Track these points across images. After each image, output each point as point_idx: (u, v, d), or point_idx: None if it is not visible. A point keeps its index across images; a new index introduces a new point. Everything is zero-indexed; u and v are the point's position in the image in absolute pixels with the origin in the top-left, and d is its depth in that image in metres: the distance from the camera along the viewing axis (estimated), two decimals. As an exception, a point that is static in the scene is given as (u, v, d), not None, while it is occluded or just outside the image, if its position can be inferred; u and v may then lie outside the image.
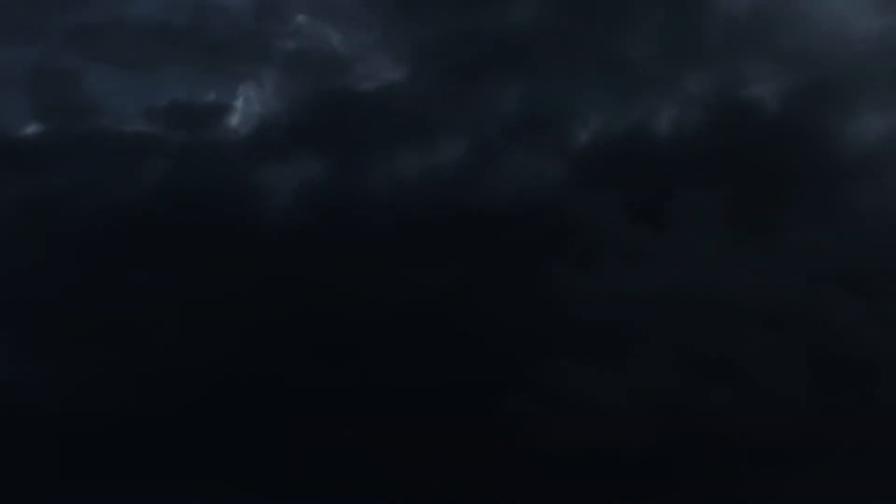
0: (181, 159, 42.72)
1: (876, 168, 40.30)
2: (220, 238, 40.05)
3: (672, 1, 44.39)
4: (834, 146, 40.96)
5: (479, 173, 41.69)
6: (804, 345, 35.61)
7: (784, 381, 34.81)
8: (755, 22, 43.53)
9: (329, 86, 44.35)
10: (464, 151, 42.34)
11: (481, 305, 37.45)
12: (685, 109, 42.75)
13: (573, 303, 37.08)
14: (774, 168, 40.34)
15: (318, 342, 37.26)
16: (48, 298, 38.42)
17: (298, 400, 35.76)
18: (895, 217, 38.83)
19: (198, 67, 44.63)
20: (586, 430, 34.07)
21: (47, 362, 37.16)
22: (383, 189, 41.40)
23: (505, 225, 39.57)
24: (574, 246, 38.73)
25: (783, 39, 43.16)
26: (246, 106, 44.38)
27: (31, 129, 43.47)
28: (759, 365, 35.14)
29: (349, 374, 36.30)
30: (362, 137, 42.76)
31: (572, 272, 38.06)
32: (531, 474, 33.64)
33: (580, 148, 42.32)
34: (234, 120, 43.94)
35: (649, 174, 40.70)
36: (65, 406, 35.67)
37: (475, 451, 33.82)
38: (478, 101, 43.32)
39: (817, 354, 35.41)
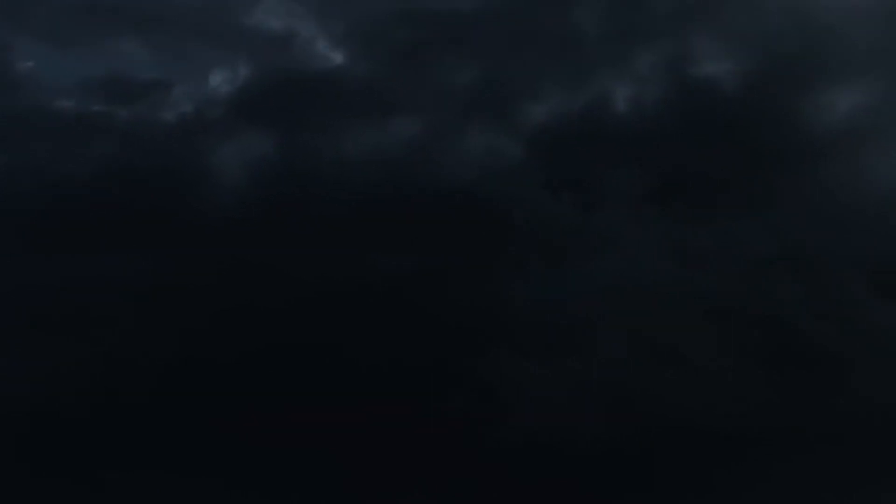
0: (123, 137, 41.37)
1: (829, 151, 39.49)
2: (168, 220, 38.83)
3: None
4: (788, 127, 40.19)
5: (432, 154, 40.84)
6: (749, 335, 35.03)
7: (734, 372, 34.25)
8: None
9: (275, 63, 43.39)
10: (416, 132, 41.45)
11: (432, 293, 36.60)
12: (638, 88, 42.13)
13: (521, 291, 36.43)
14: (726, 149, 39.55)
15: (268, 328, 36.15)
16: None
17: (250, 388, 34.68)
18: (846, 201, 37.99)
19: (135, 42, 43.61)
20: (536, 424, 33.39)
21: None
22: (335, 169, 40.38)
23: (456, 207, 38.65)
24: (526, 232, 38.00)
25: (738, 15, 42.60)
26: (188, 82, 43.24)
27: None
28: (706, 356, 34.54)
29: (298, 360, 35.28)
30: (312, 117, 41.77)
31: (521, 260, 37.35)
32: (480, 469, 32.82)
33: (532, 128, 41.46)
34: (175, 97, 42.71)
35: (602, 156, 39.92)
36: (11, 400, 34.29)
37: (422, 446, 33.01)
38: (428, 81, 42.48)
39: (762, 344, 34.80)
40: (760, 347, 34.60)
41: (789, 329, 34.82)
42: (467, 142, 40.89)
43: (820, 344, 34.45)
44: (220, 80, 43.08)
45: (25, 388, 34.24)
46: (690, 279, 36.02)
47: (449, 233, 37.70)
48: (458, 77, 42.31)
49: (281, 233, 38.18)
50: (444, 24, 42.77)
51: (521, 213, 38.30)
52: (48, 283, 36.75)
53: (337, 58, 43.37)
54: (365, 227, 38.13)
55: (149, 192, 39.50)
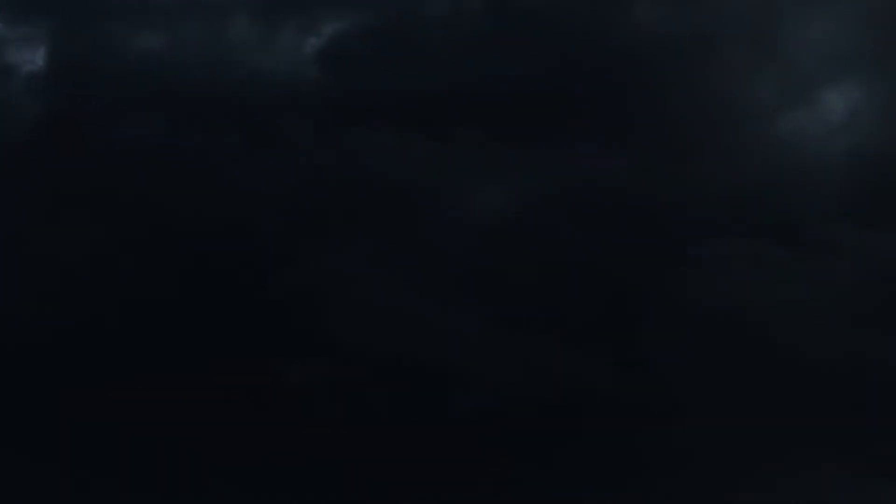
0: None
1: (664, 64, 35.26)
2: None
3: None
4: (623, 35, 36.04)
5: (227, 57, 36.93)
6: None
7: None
8: None
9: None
10: (202, 41, 37.38)
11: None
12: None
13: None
14: (553, 59, 35.38)
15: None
16: None
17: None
18: (685, 124, 34.18)
19: None
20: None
21: None
22: (122, 81, 36.27)
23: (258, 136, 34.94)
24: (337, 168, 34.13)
25: None
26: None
27: None
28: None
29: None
30: (88, 22, 37.77)
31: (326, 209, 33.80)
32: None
33: (332, 38, 37.33)
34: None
35: (413, 71, 35.90)
36: None
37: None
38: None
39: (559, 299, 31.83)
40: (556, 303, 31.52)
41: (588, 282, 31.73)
42: (262, 56, 36.96)
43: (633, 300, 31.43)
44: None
45: None
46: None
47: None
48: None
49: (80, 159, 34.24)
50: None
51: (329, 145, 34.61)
52: None
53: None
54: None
55: None
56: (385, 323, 30.95)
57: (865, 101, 34.78)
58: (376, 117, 34.56)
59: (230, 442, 29.57)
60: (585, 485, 28.50)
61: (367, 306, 31.33)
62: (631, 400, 29.49)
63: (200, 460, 29.20)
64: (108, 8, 37.93)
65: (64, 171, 34.13)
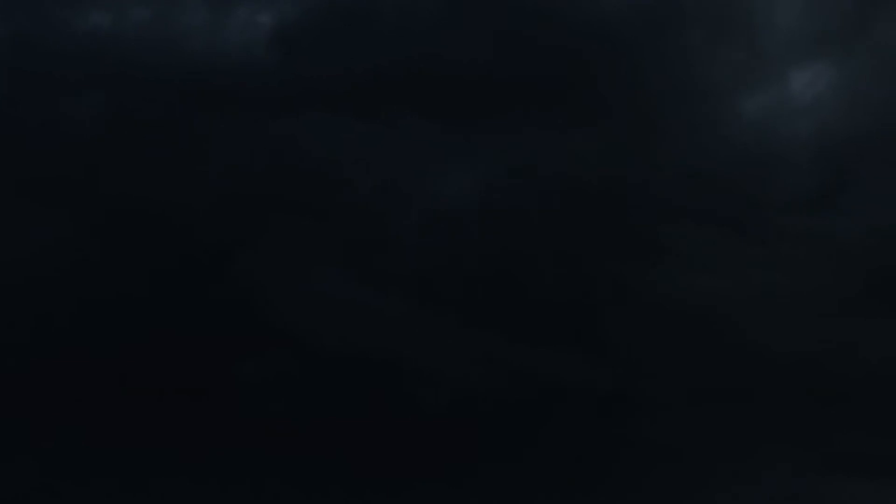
0: None
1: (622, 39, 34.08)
2: None
3: None
4: (576, 25, 34.55)
5: (176, 38, 35.41)
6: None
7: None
8: None
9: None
10: (153, 15, 35.95)
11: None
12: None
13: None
14: (504, 52, 34.28)
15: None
16: None
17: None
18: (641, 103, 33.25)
19: None
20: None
21: None
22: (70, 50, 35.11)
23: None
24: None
25: None
26: None
27: None
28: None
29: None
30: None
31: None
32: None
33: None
34: None
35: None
36: None
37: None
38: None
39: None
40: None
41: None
42: (212, 37, 35.59)
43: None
44: None
45: None
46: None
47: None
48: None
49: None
50: None
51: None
52: None
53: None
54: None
55: None
56: (338, 316, 30.28)
57: (831, 84, 34.18)
58: (328, 101, 33.58)
59: (183, 436, 29.09)
60: (553, 479, 27.99)
61: (318, 299, 30.63)
62: (597, 394, 28.89)
63: (158, 455, 28.91)
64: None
65: (7, 154, 33.22)
